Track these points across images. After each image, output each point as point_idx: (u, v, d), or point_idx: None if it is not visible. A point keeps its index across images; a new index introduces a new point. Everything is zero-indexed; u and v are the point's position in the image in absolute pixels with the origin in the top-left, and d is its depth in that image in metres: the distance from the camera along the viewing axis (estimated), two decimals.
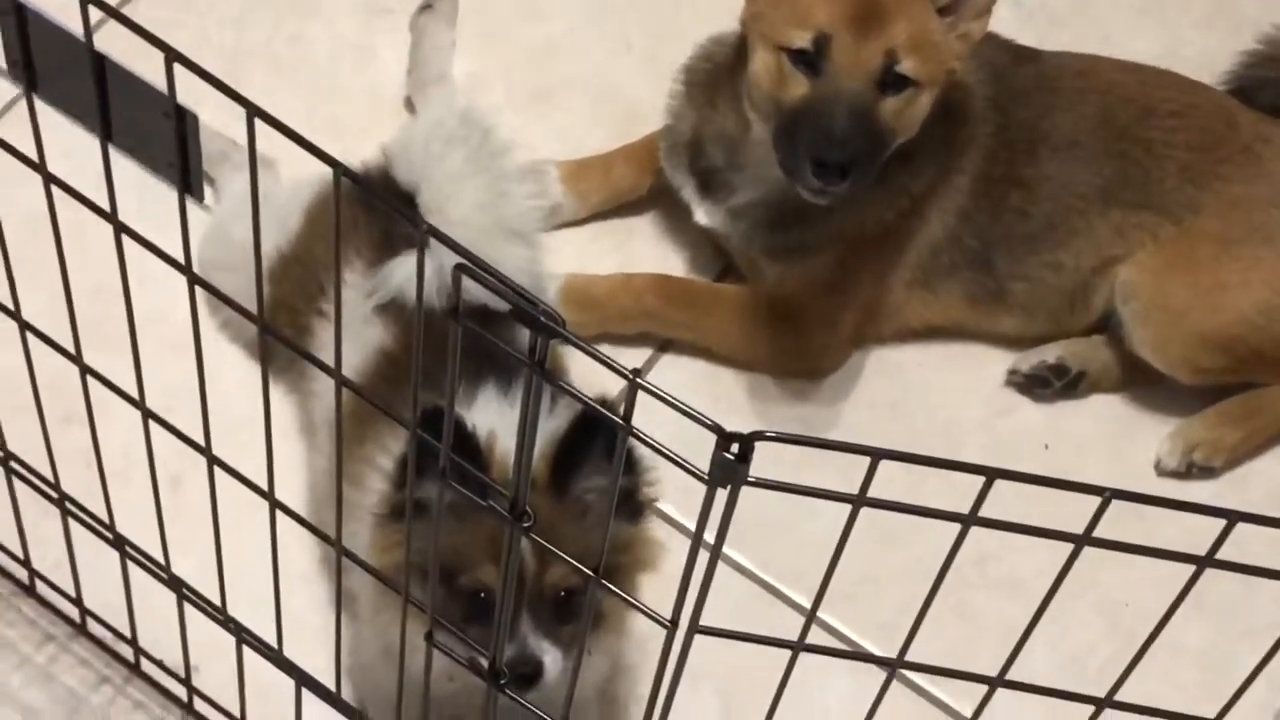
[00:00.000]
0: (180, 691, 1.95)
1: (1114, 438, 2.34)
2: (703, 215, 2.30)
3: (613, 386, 1.32)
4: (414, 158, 1.97)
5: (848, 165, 2.02)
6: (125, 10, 2.42)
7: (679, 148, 2.32)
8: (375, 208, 1.86)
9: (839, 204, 2.11)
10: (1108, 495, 1.05)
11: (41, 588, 2.00)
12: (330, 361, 1.33)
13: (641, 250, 2.41)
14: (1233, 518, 1.07)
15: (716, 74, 2.24)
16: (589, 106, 2.51)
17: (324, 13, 2.54)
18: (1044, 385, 2.35)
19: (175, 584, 1.74)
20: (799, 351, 2.31)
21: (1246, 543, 1.08)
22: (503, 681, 1.43)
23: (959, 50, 2.11)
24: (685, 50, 2.33)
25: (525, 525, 1.25)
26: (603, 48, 2.57)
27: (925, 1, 2.06)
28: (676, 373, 2.32)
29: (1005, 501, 1.06)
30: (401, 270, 1.89)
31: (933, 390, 2.35)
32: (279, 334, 1.39)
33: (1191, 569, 1.12)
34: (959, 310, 2.35)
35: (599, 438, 1.58)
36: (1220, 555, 1.10)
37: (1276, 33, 2.42)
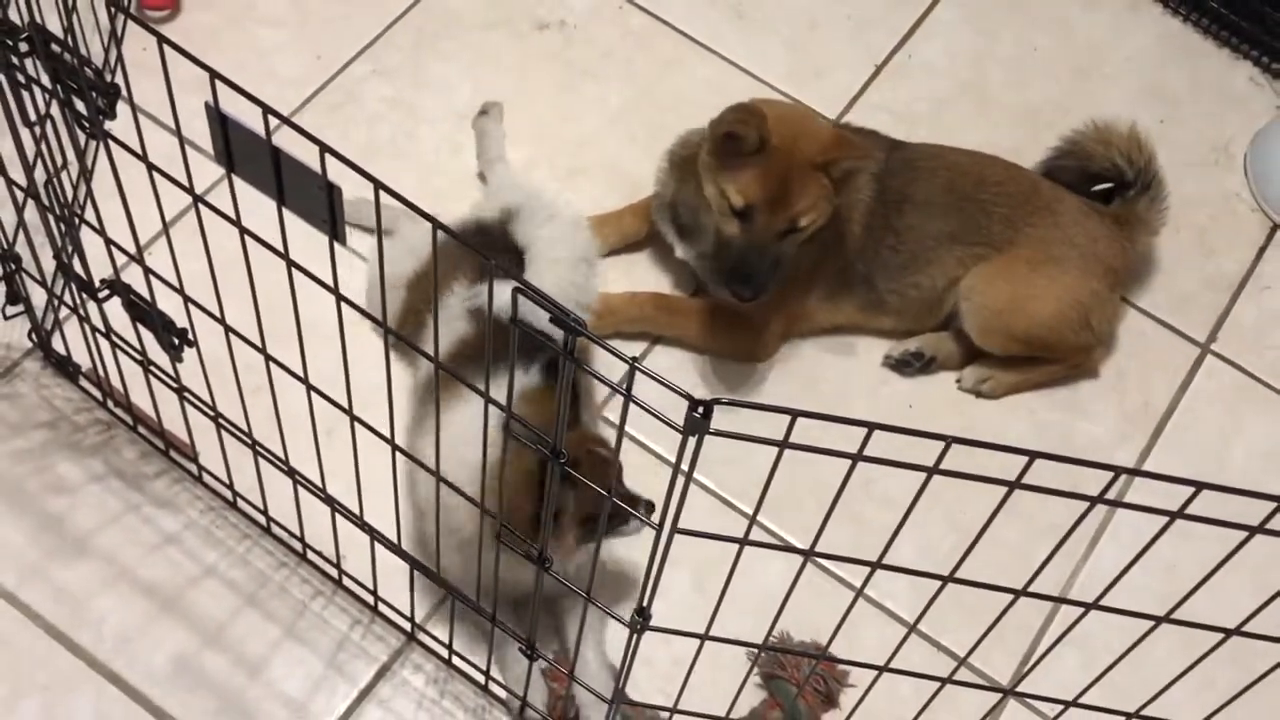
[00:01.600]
0: (333, 572, 1.95)
1: (955, 401, 2.33)
2: (680, 252, 2.29)
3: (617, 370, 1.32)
4: (521, 223, 2.05)
5: (754, 290, 2.10)
6: (294, 118, 2.44)
7: (664, 206, 2.31)
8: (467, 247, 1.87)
9: None
10: (949, 441, 1.06)
11: (241, 504, 2.00)
12: (431, 349, 1.33)
13: (643, 274, 2.40)
14: (1033, 455, 1.07)
15: (688, 160, 2.22)
16: (606, 179, 2.49)
17: (429, 119, 2.53)
18: (908, 366, 2.33)
19: (329, 500, 1.74)
20: (746, 345, 2.30)
21: (1041, 471, 1.08)
22: (547, 565, 1.43)
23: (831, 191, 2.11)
24: (670, 141, 2.32)
25: (562, 462, 1.25)
26: (616, 140, 2.55)
27: (821, 182, 2.07)
28: (666, 359, 2.30)
29: (883, 444, 1.06)
30: (484, 290, 1.89)
31: (834, 369, 2.34)
32: (396, 332, 1.38)
33: (1005, 489, 1.12)
34: (852, 314, 2.33)
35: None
36: (1026, 480, 1.10)
37: (1073, 135, 2.39)
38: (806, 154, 2.06)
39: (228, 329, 1.55)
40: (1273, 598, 1.21)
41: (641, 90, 2.62)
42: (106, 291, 1.68)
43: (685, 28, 2.70)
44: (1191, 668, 1.33)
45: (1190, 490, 1.08)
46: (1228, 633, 1.26)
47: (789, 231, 2.10)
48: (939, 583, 1.26)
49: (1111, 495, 1.10)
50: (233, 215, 1.34)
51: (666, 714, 1.69)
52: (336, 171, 1.17)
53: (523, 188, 2.23)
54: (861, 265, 2.27)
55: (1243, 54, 2.79)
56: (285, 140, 1.19)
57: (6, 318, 2.09)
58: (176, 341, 1.65)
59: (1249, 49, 2.79)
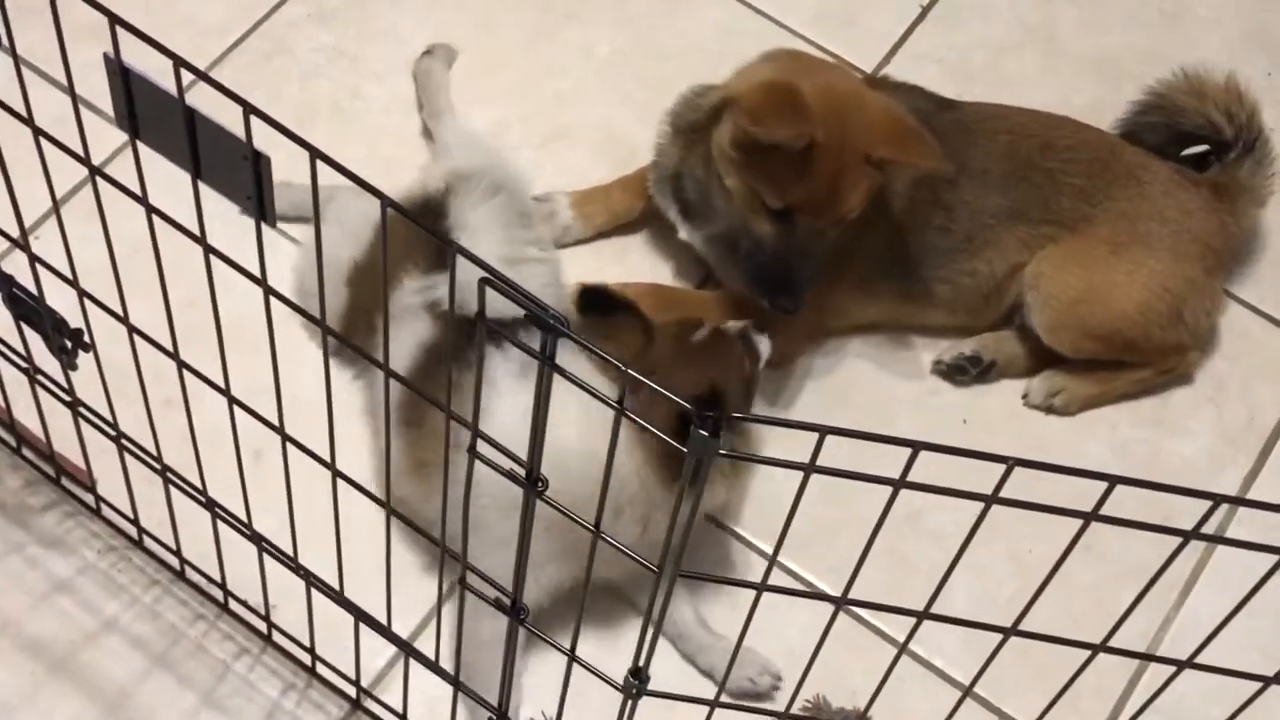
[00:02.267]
0: (261, 626, 1.95)
1: (1019, 415, 2.33)
2: (685, 234, 2.30)
3: None
4: (457, 206, 2.05)
5: (799, 302, 2.13)
6: (212, 72, 2.45)
7: (664, 179, 2.31)
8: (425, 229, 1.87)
9: None
10: (1011, 463, 1.05)
11: (149, 542, 2.00)
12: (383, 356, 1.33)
13: (637, 262, 2.41)
14: (1113, 480, 1.07)
15: (695, 125, 2.21)
16: (593, 146, 2.50)
17: (377, 73, 2.53)
18: (962, 373, 2.34)
19: (256, 538, 1.74)
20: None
21: (1123, 499, 1.08)
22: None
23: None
24: (671, 99, 2.32)
25: (540, 490, 1.26)
26: (605, 99, 2.56)
27: (868, 172, 2.07)
28: None
29: (931, 468, 1.06)
30: (444, 281, 1.89)
31: (872, 377, 2.35)
32: (335, 333, 1.38)
33: (1080, 522, 1.12)
34: (893, 308, 2.34)
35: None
36: (1104, 511, 1.10)
37: (1159, 87, 2.40)
38: (857, 145, 2.05)
39: (131, 329, 1.55)
40: None
41: (636, 37, 2.63)
42: None
43: None
44: None
45: None
46: None
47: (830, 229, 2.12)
48: (999, 636, 1.25)
49: (1209, 529, 1.10)
50: (137, 191, 1.33)
51: None
52: (265, 138, 1.17)
53: (475, 146, 2.24)
54: (903, 248, 2.27)
55: None
56: (202, 99, 1.19)
57: None
58: (69, 345, 1.65)
59: None
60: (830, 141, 2.03)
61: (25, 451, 2.06)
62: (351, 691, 1.93)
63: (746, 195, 2.11)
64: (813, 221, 2.09)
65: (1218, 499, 1.08)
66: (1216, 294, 2.36)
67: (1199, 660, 1.24)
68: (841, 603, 1.23)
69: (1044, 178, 2.27)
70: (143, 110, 1.21)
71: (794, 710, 1.43)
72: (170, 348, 1.51)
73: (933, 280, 2.31)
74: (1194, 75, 2.36)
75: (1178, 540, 1.11)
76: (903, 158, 2.08)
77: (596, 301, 1.93)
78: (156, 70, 1.20)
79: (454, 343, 1.73)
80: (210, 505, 1.74)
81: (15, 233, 1.55)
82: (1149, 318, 2.26)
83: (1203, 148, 2.39)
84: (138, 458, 1.78)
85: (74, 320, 1.63)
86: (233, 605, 1.97)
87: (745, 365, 1.96)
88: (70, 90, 1.33)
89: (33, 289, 1.61)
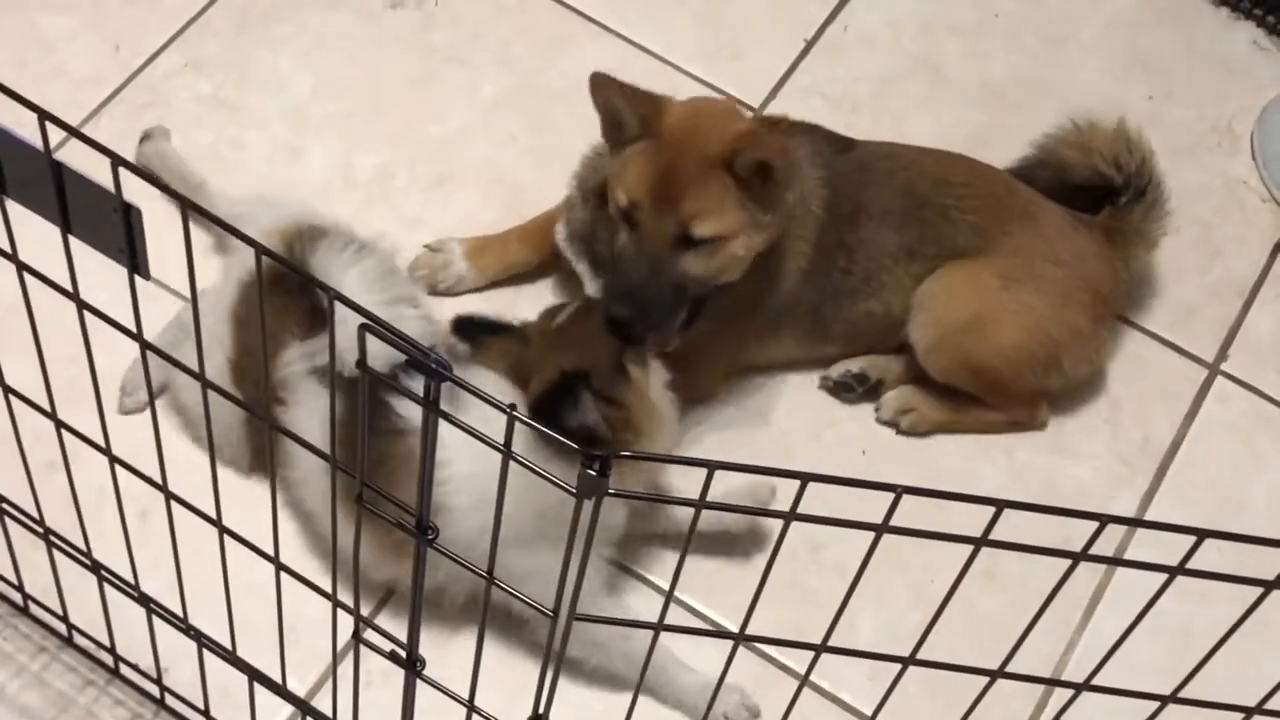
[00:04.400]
0: (154, 690, 1.92)
1: (918, 445, 2.35)
2: (593, 290, 2.29)
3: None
4: (322, 266, 1.98)
5: (635, 318, 2.03)
6: (88, 124, 2.42)
7: (576, 236, 2.30)
8: (297, 279, 1.86)
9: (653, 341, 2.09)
10: (900, 491, 1.06)
11: (34, 608, 1.97)
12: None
13: (527, 310, 2.38)
14: (1000, 505, 1.08)
15: (600, 187, 2.21)
16: (481, 188, 2.50)
17: (258, 121, 2.53)
18: (848, 390, 2.36)
19: (144, 600, 1.72)
20: (681, 388, 2.30)
21: (1024, 525, 1.09)
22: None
23: (778, 200, 2.10)
24: (559, 140, 2.33)
25: (430, 538, 1.25)
26: (491, 141, 2.56)
27: (721, 176, 2.04)
28: None
29: (830, 499, 1.06)
30: (324, 343, 1.88)
31: (770, 409, 2.35)
32: (214, 384, 1.37)
33: (970, 548, 1.12)
34: (793, 349, 2.35)
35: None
36: (1003, 537, 1.10)
37: (1045, 141, 2.42)
38: (702, 147, 2.04)
39: (8, 391, 1.53)
40: None
41: (522, 78, 2.64)
42: None
43: (573, 0, 2.72)
44: None
45: (1193, 540, 1.10)
46: (1249, 711, 1.28)
47: (685, 242, 2.06)
48: (899, 666, 1.26)
49: (1106, 550, 1.12)
50: (6, 248, 1.32)
51: None
52: (138, 191, 1.16)
53: (269, 202, 2.18)
54: (810, 294, 2.28)
55: (1244, 13, 2.86)
56: (74, 155, 1.18)
57: None
58: None
59: (1251, 7, 2.85)
60: (674, 136, 2.05)
61: None
62: None
63: (616, 210, 2.11)
64: (655, 221, 2.05)
65: (1104, 519, 1.10)
66: (1102, 342, 2.38)
67: (1098, 681, 1.26)
68: (740, 639, 1.23)
69: (939, 215, 2.28)
70: (9, 166, 1.20)
71: None
72: (48, 407, 1.49)
73: (832, 321, 2.32)
74: (1082, 124, 2.38)
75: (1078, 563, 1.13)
76: (742, 147, 2.03)
77: (470, 327, 1.98)
78: (25, 125, 1.19)
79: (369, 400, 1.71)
80: (96, 568, 1.72)
81: None
82: (1026, 361, 2.27)
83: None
84: (19, 522, 1.76)
85: None
86: (123, 670, 1.94)
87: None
88: None
89: None
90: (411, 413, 1.82)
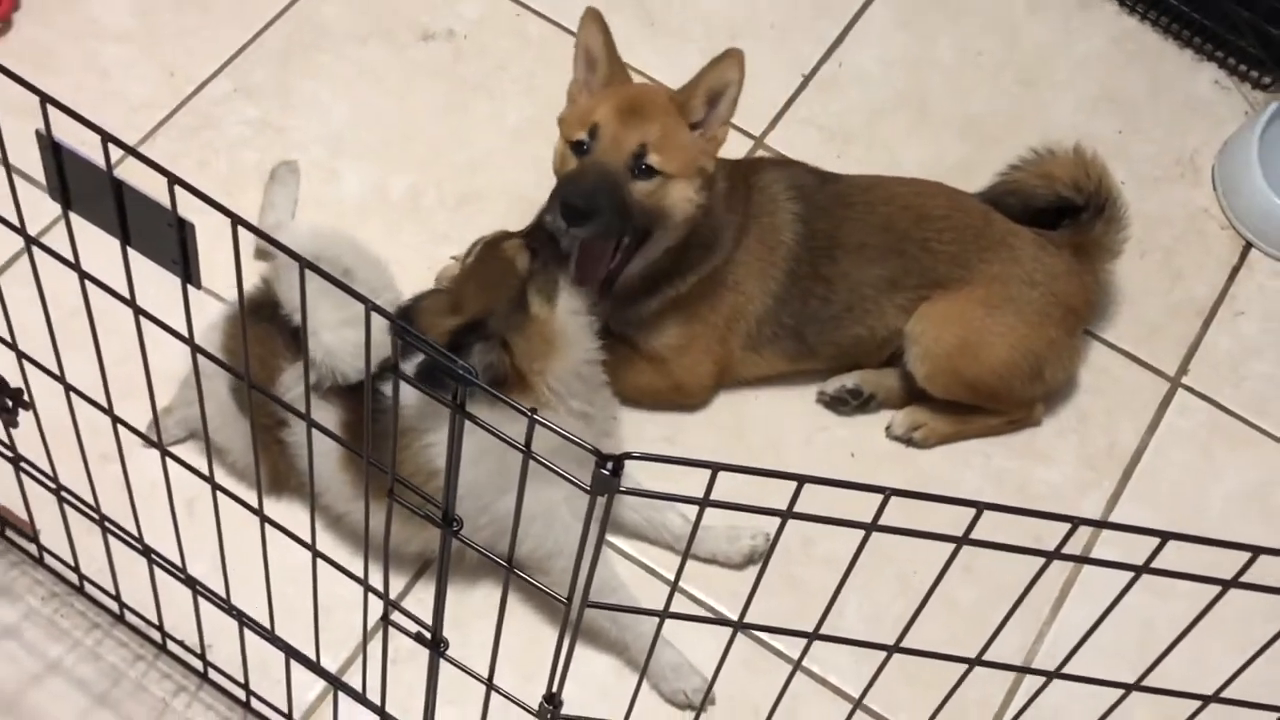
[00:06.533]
0: (198, 664, 1.93)
1: (903, 450, 2.35)
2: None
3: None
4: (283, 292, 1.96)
5: (586, 211, 2.02)
6: (143, 145, 2.43)
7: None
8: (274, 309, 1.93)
9: (590, 240, 2.09)
10: (888, 493, 1.06)
11: (89, 588, 1.97)
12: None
13: None
14: (980, 507, 1.08)
15: None
16: (504, 208, 2.50)
17: (300, 143, 2.53)
18: (843, 404, 2.36)
19: (190, 582, 1.72)
20: (672, 393, 2.31)
21: (1000, 525, 1.09)
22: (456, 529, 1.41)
23: (709, 150, 2.14)
24: None
25: (455, 529, 1.25)
26: (515, 162, 2.56)
27: (676, 114, 2.11)
28: None
29: (822, 498, 1.06)
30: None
31: (766, 415, 2.36)
32: (260, 387, 1.37)
33: (953, 545, 1.13)
34: (781, 365, 2.35)
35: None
36: (979, 535, 1.11)
37: (1009, 172, 2.42)
38: (663, 95, 2.14)
39: (69, 388, 1.53)
40: (1250, 660, 1.23)
41: (543, 106, 2.63)
42: None
43: None
44: None
45: (1156, 541, 1.10)
46: (1205, 699, 1.28)
47: (640, 167, 2.07)
48: (884, 653, 1.26)
49: (1075, 549, 1.12)
50: (71, 258, 1.32)
51: None
52: (191, 206, 1.16)
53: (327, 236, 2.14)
54: (788, 316, 2.28)
55: (1206, 55, 2.86)
56: (132, 172, 1.18)
57: None
58: (10, 404, 1.62)
59: (1213, 49, 2.86)
60: (638, 88, 2.19)
61: None
62: None
63: (560, 153, 2.14)
64: (618, 133, 2.07)
65: (1076, 521, 1.10)
66: (1076, 353, 2.40)
67: (1067, 670, 1.26)
68: (739, 626, 1.23)
69: (919, 248, 2.28)
70: (74, 182, 1.20)
71: None
72: (105, 404, 1.49)
73: (817, 343, 2.32)
74: (1044, 154, 2.38)
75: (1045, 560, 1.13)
76: (697, 82, 2.11)
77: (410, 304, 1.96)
78: (88, 145, 1.19)
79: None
80: (146, 552, 1.72)
81: None
82: (1014, 374, 2.29)
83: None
84: (77, 509, 1.76)
85: (14, 380, 1.61)
86: (170, 646, 1.94)
87: (514, 272, 1.94)
88: (5, 164, 1.32)
89: None
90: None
